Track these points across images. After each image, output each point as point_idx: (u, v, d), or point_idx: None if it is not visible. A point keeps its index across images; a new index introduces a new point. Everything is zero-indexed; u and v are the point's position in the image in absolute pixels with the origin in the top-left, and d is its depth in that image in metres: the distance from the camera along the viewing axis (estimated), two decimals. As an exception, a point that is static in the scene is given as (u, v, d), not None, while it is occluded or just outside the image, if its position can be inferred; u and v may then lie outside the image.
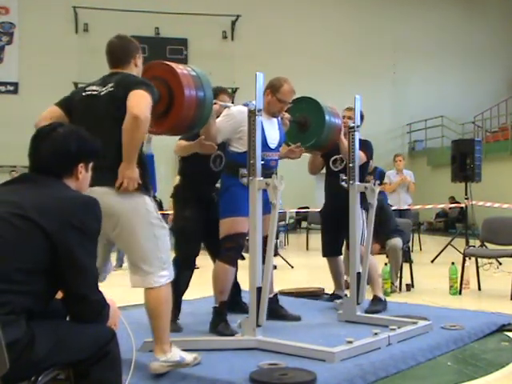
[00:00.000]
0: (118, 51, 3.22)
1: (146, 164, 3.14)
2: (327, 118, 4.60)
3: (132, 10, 15.91)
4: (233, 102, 4.40)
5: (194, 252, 4.30)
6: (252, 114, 3.61)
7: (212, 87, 4.43)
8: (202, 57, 16.94)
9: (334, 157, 4.93)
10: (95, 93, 3.10)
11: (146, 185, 3.08)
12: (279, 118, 4.33)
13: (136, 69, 3.24)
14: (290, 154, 4.49)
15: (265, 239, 3.71)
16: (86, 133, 2.27)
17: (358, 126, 4.45)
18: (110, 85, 3.07)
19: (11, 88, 16.57)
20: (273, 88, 4.14)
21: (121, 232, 3.02)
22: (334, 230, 5.08)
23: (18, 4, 16.62)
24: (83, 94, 3.14)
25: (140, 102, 2.92)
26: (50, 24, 16.33)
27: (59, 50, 16.09)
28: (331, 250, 5.18)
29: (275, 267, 5.90)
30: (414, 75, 18.77)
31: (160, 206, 10.65)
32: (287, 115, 4.41)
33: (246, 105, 3.79)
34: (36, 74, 16.09)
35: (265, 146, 3.89)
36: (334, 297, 5.23)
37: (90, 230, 2.06)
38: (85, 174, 2.23)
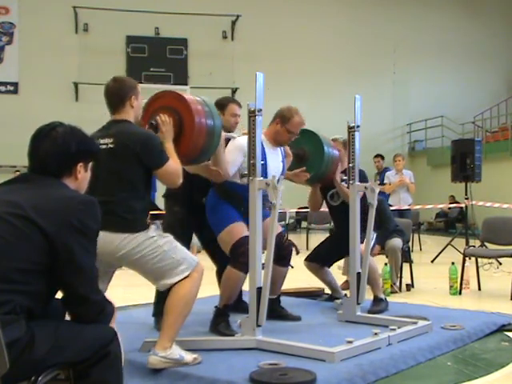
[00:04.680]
0: (113, 96, 3.24)
1: (147, 202, 3.24)
2: (326, 149, 4.65)
3: (132, 10, 15.88)
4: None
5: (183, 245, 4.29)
6: (252, 114, 3.60)
7: (220, 98, 4.45)
8: (202, 57, 16.95)
9: (331, 191, 4.94)
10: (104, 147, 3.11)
11: (143, 222, 3.17)
12: (283, 149, 4.34)
13: (132, 110, 3.24)
14: (294, 178, 4.59)
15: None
16: (84, 132, 2.26)
17: (357, 126, 4.45)
18: (110, 140, 3.13)
19: (11, 88, 16.55)
20: (283, 118, 4.15)
21: (129, 265, 3.18)
22: (332, 243, 5.14)
23: (18, 4, 16.60)
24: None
25: (171, 178, 3.20)
26: (50, 24, 16.31)
27: (59, 50, 16.08)
28: (316, 256, 5.15)
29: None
30: (414, 75, 18.74)
31: (154, 206, 10.58)
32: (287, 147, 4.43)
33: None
34: (36, 74, 16.08)
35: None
36: (333, 297, 5.22)
37: (90, 230, 2.06)
38: (84, 173, 2.22)
